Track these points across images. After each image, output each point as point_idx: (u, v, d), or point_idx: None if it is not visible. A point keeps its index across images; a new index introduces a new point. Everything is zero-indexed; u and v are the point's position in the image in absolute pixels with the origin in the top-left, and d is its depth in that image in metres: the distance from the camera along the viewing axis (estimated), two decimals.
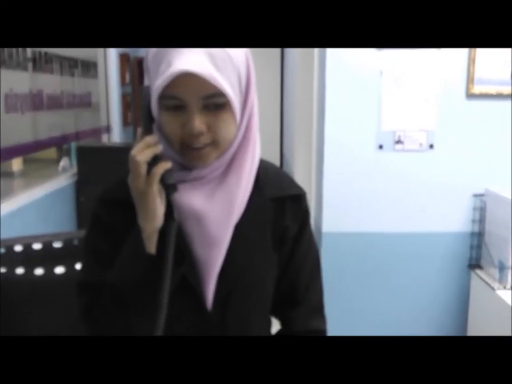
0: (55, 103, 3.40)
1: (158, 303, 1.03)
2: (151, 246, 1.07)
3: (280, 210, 1.18)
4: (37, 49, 3.08)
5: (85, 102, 4.03)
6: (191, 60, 0.97)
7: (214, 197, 1.09)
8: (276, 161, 5.91)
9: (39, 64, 3.13)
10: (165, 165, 1.03)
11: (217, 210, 1.08)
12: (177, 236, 1.06)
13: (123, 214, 1.11)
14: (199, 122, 1.01)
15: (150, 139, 1.03)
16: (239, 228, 1.12)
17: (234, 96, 1.03)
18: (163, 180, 1.04)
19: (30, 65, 3.00)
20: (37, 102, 3.10)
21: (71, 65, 3.71)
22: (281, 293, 1.23)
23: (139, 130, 1.06)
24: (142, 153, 1.01)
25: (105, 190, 1.18)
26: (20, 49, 2.85)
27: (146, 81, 1.08)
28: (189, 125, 1.01)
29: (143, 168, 1.01)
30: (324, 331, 1.28)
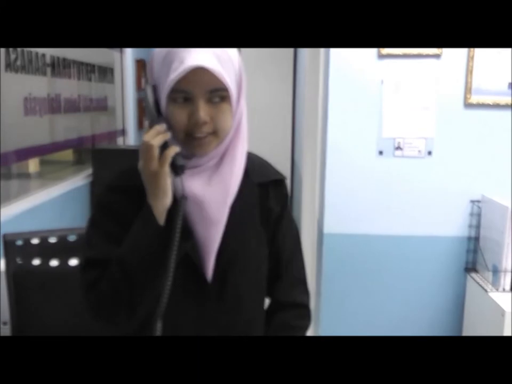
0: (72, 106, 3.49)
1: (165, 272, 1.16)
2: (161, 223, 1.20)
3: (265, 194, 1.34)
4: (56, 55, 3.18)
5: (101, 106, 4.11)
6: (202, 57, 1.12)
7: (211, 182, 1.22)
8: (287, 167, 6.03)
9: (57, 69, 3.22)
10: (175, 149, 1.17)
11: (214, 193, 1.22)
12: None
13: (129, 199, 1.25)
14: (204, 114, 1.16)
15: (160, 127, 1.17)
16: (233, 210, 1.26)
17: (233, 91, 1.18)
18: (173, 162, 1.17)
19: (48, 70, 3.09)
20: (54, 105, 3.19)
21: (88, 71, 3.79)
22: (267, 268, 1.37)
23: (147, 122, 1.20)
24: (155, 138, 1.15)
25: (112, 179, 1.31)
26: (39, 54, 2.95)
27: (150, 82, 1.22)
28: (195, 115, 1.16)
29: (156, 151, 1.15)
30: (307, 305, 1.43)
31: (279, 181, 1.38)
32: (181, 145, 1.19)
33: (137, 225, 1.21)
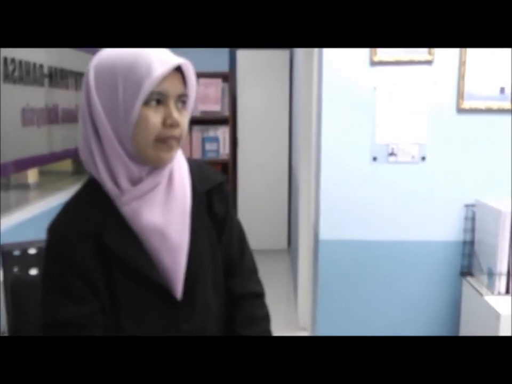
0: (70, 117, 3.50)
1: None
2: None
3: (210, 200, 1.37)
4: (53, 66, 3.21)
5: None
6: (179, 58, 1.19)
7: (170, 208, 1.25)
8: (285, 174, 6.07)
9: (55, 80, 3.24)
10: None
11: (174, 219, 1.26)
12: (145, 249, 1.24)
13: (82, 245, 1.23)
14: (177, 115, 1.20)
15: None
16: (190, 226, 1.29)
17: (191, 97, 1.25)
18: None
19: (46, 81, 3.11)
20: (52, 116, 3.21)
21: None
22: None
23: None
24: None
25: (56, 224, 1.28)
26: (37, 65, 2.98)
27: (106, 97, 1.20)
28: (171, 116, 1.19)
29: None
30: (262, 294, 1.48)
31: (220, 184, 1.41)
32: (150, 151, 1.21)
33: None
